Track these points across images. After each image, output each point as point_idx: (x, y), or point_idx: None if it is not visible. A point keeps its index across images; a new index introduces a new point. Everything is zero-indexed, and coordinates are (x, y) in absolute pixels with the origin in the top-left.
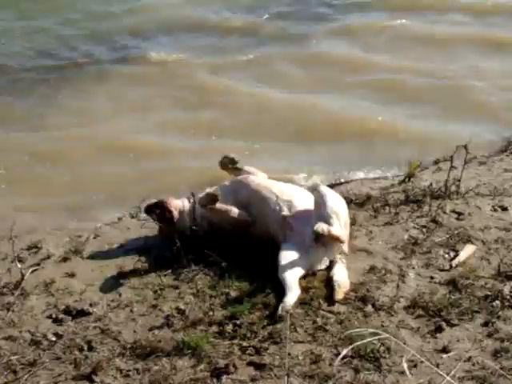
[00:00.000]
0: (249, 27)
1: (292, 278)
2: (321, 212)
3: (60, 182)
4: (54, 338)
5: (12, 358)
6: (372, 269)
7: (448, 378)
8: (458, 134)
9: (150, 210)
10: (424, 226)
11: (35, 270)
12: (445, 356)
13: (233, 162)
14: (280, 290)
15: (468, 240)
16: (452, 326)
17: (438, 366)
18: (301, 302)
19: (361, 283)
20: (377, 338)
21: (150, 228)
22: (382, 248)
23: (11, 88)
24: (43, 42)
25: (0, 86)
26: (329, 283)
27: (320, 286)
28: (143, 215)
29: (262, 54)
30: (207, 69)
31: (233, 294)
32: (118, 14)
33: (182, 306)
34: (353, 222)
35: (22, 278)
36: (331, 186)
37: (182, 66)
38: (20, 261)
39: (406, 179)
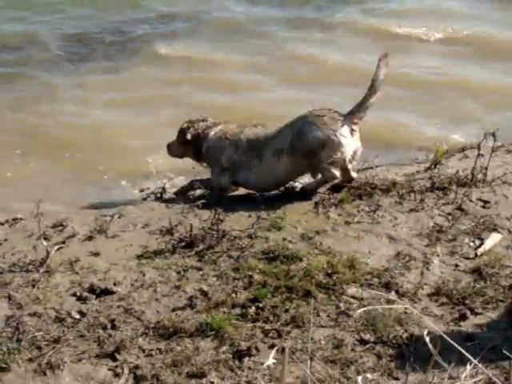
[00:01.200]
0: None
1: None
2: None
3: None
4: (78, 316)
5: (37, 334)
6: (396, 255)
7: (476, 362)
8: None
9: None
10: (449, 214)
11: (60, 247)
12: (469, 344)
13: None
14: (305, 274)
15: (494, 228)
16: (476, 314)
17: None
18: (324, 287)
19: (385, 269)
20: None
21: (174, 209)
22: (406, 234)
23: None
24: None
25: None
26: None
27: (344, 271)
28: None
29: None
30: None
31: (256, 276)
32: None
33: (206, 288)
34: (378, 208)
35: (47, 256)
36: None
37: None
38: (46, 238)
39: (432, 166)
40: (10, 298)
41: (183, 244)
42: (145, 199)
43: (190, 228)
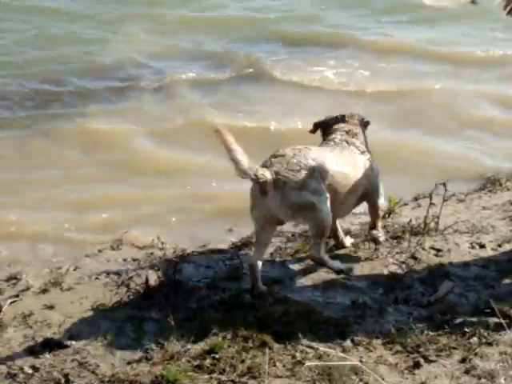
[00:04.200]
0: None
1: None
2: None
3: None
4: (30, 371)
5: None
6: (352, 304)
7: None
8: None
9: None
10: (403, 262)
11: (14, 301)
12: None
13: None
14: (261, 324)
15: (447, 276)
16: (430, 362)
17: None
18: (280, 336)
19: (341, 318)
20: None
21: (130, 260)
22: (361, 283)
23: None
24: None
25: None
26: None
27: (299, 320)
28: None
29: None
30: None
31: (212, 326)
32: None
33: (161, 340)
34: (333, 258)
35: (0, 310)
36: None
37: None
38: None
39: (386, 215)
40: None
41: (139, 295)
42: (100, 251)
43: (146, 279)
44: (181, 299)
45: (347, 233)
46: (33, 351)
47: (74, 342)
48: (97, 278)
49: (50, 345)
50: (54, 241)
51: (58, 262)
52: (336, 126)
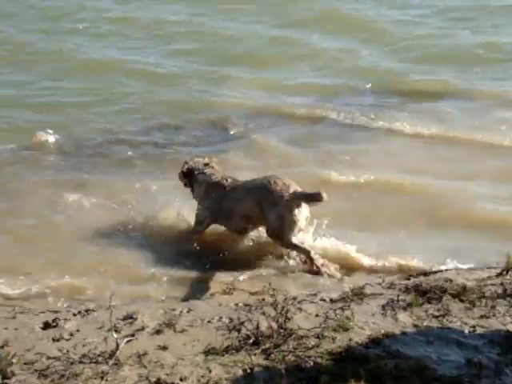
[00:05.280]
0: None
1: None
2: None
3: None
4: None
5: None
6: (467, 362)
7: None
8: None
9: None
10: None
11: (130, 340)
12: None
13: None
14: (372, 377)
15: None
16: None
17: None
18: None
19: (455, 376)
20: None
21: (241, 305)
22: (477, 341)
23: None
24: None
25: None
26: None
27: (411, 375)
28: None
29: None
30: None
31: (322, 377)
32: None
33: None
34: (447, 313)
35: (117, 348)
36: (425, 274)
37: None
38: (116, 331)
39: (504, 272)
40: None
41: (250, 341)
42: (213, 294)
43: (257, 325)
44: (290, 347)
45: (463, 288)
46: None
47: None
48: (209, 322)
49: None
50: (168, 282)
51: (172, 303)
52: None
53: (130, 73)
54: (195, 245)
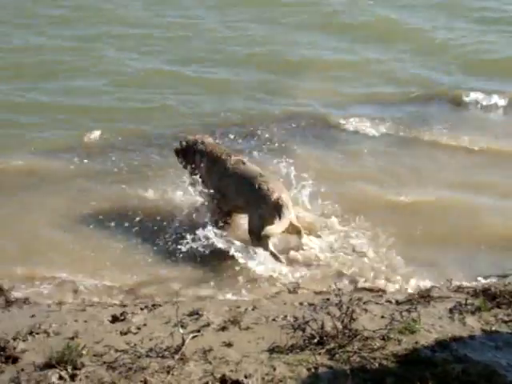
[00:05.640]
0: None
1: None
2: None
3: None
4: None
5: None
6: None
7: None
8: None
9: None
10: None
11: (195, 336)
12: None
13: None
14: (438, 381)
15: None
16: None
17: None
18: None
19: None
20: None
21: (306, 304)
22: None
23: None
24: None
25: None
26: None
27: (479, 381)
28: None
29: None
30: None
31: (387, 379)
32: None
33: None
34: None
35: (183, 343)
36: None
37: None
38: (182, 326)
39: None
40: (145, 382)
41: (315, 341)
42: (278, 293)
43: (322, 325)
44: (355, 348)
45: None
46: None
47: (249, 382)
48: (274, 320)
49: (228, 382)
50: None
51: (237, 301)
52: None
53: (185, 80)
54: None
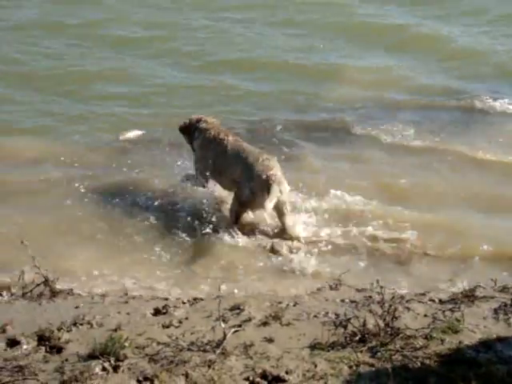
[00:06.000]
0: None
1: None
2: None
3: None
4: None
5: None
6: None
7: None
8: None
9: None
10: None
11: (236, 330)
12: None
13: None
14: (483, 382)
15: None
16: None
17: None
18: None
19: None
20: None
21: (348, 301)
22: None
23: None
24: None
25: None
26: None
27: None
28: None
29: None
30: None
31: (429, 379)
32: None
33: None
34: None
35: (224, 338)
36: None
37: None
38: (223, 320)
39: None
40: (187, 375)
41: (356, 338)
42: (319, 289)
43: (364, 323)
44: (397, 346)
45: None
46: (252, 382)
47: (291, 377)
48: (315, 316)
49: (269, 377)
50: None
51: (279, 296)
52: None
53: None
54: (301, 239)
